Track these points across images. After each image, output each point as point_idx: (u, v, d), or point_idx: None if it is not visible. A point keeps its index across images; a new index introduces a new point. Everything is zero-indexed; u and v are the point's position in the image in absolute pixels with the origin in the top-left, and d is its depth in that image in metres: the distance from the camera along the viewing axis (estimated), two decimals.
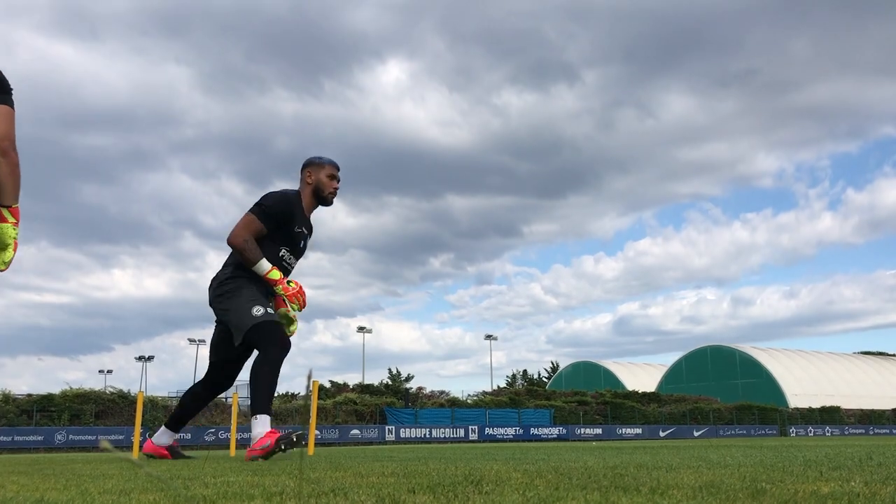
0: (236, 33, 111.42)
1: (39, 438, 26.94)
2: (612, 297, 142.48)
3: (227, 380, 5.37)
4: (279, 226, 4.86)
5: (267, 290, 4.90)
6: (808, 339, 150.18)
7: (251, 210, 4.83)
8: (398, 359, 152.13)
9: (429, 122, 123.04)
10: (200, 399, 5.44)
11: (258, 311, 4.71)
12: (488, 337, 67.44)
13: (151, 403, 30.17)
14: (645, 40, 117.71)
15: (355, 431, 32.81)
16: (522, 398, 42.07)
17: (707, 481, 1.90)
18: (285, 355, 4.76)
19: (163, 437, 5.48)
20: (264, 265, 4.74)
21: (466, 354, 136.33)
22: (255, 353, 4.77)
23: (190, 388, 5.50)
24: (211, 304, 5.03)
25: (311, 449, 5.95)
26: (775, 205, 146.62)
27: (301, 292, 4.85)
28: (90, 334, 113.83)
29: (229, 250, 4.93)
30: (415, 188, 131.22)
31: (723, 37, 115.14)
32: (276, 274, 4.76)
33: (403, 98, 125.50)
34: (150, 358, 68.20)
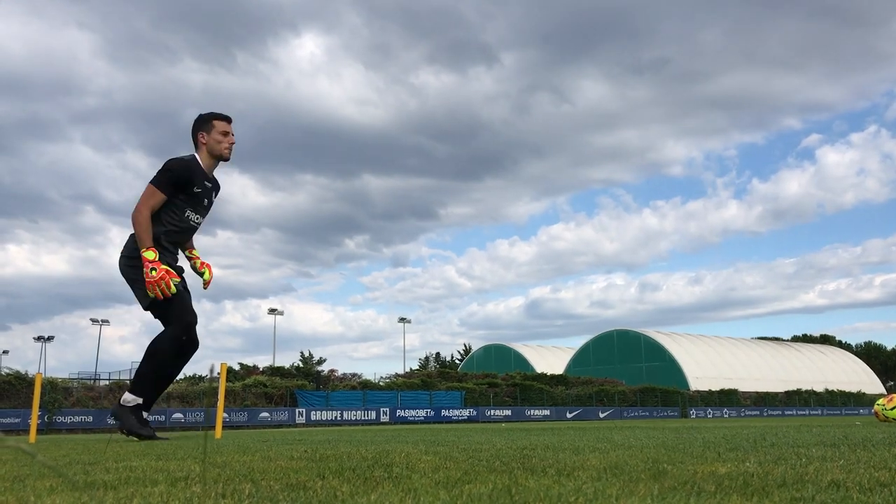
0: None
1: None
2: (525, 281, 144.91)
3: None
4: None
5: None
6: (710, 325, 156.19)
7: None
8: (310, 341, 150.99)
9: (344, 100, 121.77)
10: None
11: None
12: (402, 320, 67.59)
13: (51, 385, 29.07)
14: (562, 25, 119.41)
15: (265, 414, 32.40)
16: (434, 380, 42.35)
17: (611, 463, 1.95)
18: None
19: None
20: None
21: (380, 337, 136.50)
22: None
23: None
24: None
25: (218, 432, 5.85)
26: (684, 193, 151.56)
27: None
28: None
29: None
30: (330, 167, 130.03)
31: (637, 25, 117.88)
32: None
33: (318, 74, 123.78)
34: (50, 338, 65.67)
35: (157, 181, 5.04)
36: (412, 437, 5.16)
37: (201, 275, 5.53)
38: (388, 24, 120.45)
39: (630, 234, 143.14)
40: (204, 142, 5.29)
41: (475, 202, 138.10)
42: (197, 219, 5.34)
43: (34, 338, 68.20)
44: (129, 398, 5.03)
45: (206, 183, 5.26)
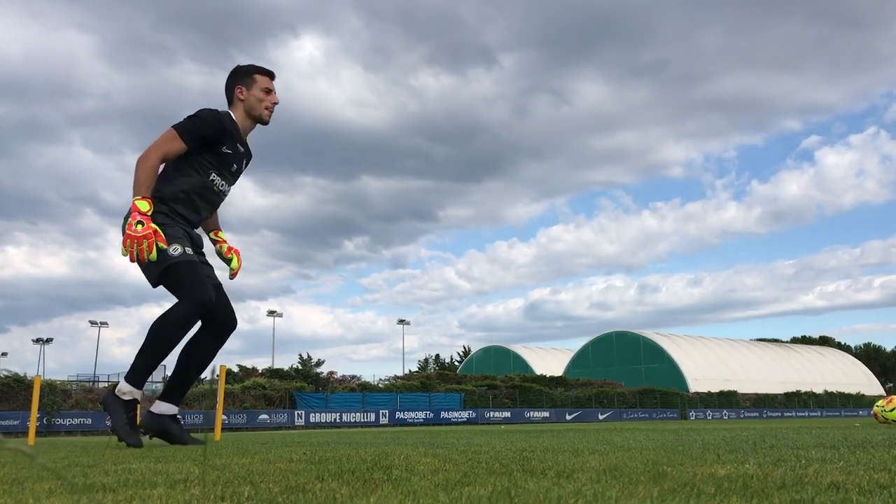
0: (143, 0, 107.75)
1: None
2: (524, 283, 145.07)
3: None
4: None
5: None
6: (709, 326, 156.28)
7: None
8: (309, 343, 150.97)
9: (344, 102, 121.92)
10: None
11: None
12: (401, 321, 67.56)
13: (50, 388, 29.04)
14: (561, 26, 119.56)
15: (264, 416, 32.38)
16: (434, 382, 42.34)
17: (611, 464, 1.95)
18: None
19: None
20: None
21: (379, 339, 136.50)
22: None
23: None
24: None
25: (217, 434, 5.85)
26: (684, 194, 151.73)
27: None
28: None
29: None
30: (329, 169, 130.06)
31: (636, 26, 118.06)
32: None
33: (318, 76, 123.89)
34: (49, 340, 65.65)
35: (181, 127, 4.20)
36: (411, 439, 5.15)
37: (228, 262, 4.79)
38: (387, 27, 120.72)
39: (629, 236, 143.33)
40: (242, 98, 4.49)
41: (474, 204, 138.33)
42: (223, 185, 4.49)
43: (33, 340, 68.10)
44: (124, 388, 4.17)
45: (237, 146, 4.44)
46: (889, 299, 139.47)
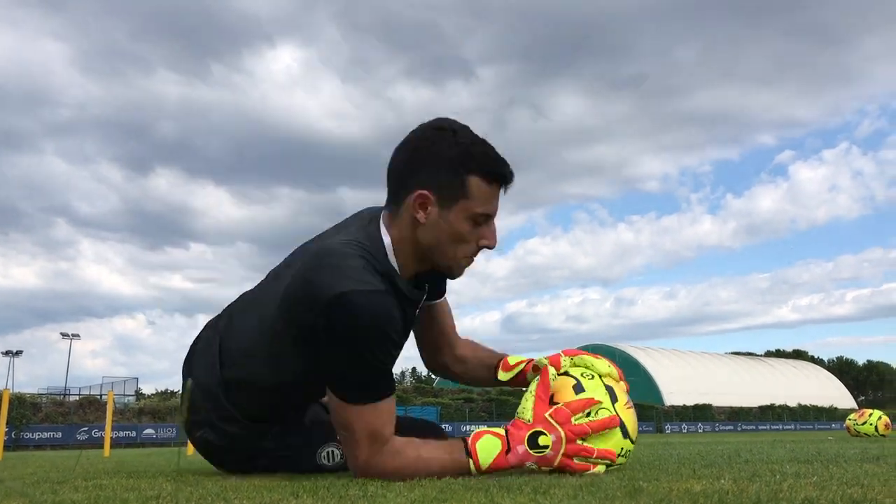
0: (121, 10, 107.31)
1: None
2: (501, 296, 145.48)
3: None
4: None
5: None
6: (684, 339, 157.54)
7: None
8: None
9: (321, 113, 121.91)
10: None
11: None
12: None
13: (19, 401, 28.59)
14: (541, 40, 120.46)
15: None
16: (410, 395, 42.23)
17: (587, 480, 1.95)
18: None
19: None
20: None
21: None
22: None
23: None
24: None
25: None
26: (659, 208, 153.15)
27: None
28: None
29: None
30: (306, 180, 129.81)
31: (615, 41, 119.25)
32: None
33: (294, 87, 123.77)
34: (19, 353, 64.66)
35: (380, 371, 2.20)
36: None
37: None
38: (366, 38, 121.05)
39: (605, 249, 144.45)
40: (423, 220, 2.11)
41: None
42: None
43: (3, 352, 66.96)
44: None
45: (404, 328, 2.30)
46: (861, 313, 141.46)
